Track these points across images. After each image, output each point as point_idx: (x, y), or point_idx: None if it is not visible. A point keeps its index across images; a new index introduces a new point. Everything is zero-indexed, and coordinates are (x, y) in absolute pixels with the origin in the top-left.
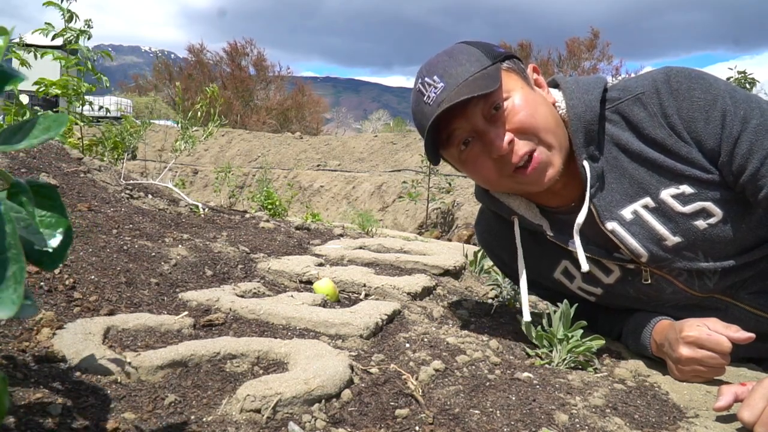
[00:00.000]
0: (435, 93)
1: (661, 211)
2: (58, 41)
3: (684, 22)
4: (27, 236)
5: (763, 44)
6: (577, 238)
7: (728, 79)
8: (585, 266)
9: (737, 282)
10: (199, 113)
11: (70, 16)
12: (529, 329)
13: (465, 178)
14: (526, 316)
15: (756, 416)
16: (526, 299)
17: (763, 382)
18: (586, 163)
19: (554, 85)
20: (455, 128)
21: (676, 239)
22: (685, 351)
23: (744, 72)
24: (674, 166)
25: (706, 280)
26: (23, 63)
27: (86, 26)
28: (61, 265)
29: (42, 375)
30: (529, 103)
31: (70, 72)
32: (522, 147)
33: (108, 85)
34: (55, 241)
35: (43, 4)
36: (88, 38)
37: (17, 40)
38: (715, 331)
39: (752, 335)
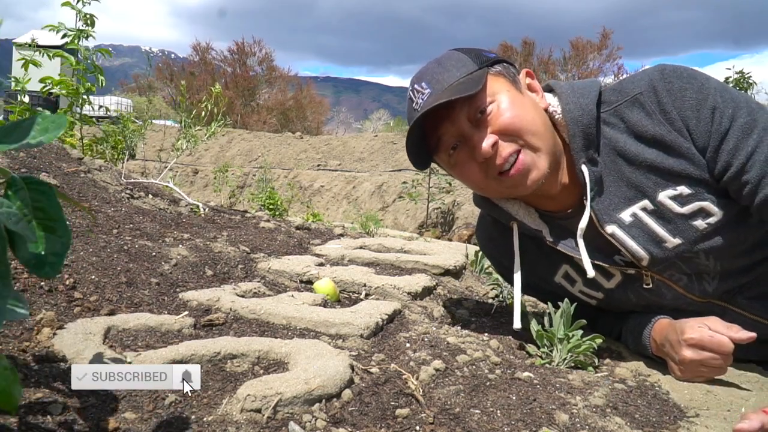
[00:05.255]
0: (422, 99)
1: (659, 213)
2: (61, 41)
3: (682, 20)
4: (18, 230)
5: (763, 42)
6: (581, 243)
7: (727, 79)
8: (591, 272)
9: (736, 287)
10: (203, 113)
11: (84, 17)
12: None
13: None
14: (517, 323)
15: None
16: (518, 307)
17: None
18: (584, 168)
19: (549, 90)
20: (442, 133)
21: (676, 241)
22: (687, 353)
23: (742, 72)
24: (672, 167)
25: (705, 284)
26: (35, 63)
27: (86, 24)
28: (60, 270)
29: (42, 375)
30: (514, 105)
31: (75, 71)
32: (506, 148)
33: (103, 84)
34: (52, 246)
35: (62, 5)
36: (86, 37)
37: (29, 41)
38: (716, 332)
39: (753, 335)
